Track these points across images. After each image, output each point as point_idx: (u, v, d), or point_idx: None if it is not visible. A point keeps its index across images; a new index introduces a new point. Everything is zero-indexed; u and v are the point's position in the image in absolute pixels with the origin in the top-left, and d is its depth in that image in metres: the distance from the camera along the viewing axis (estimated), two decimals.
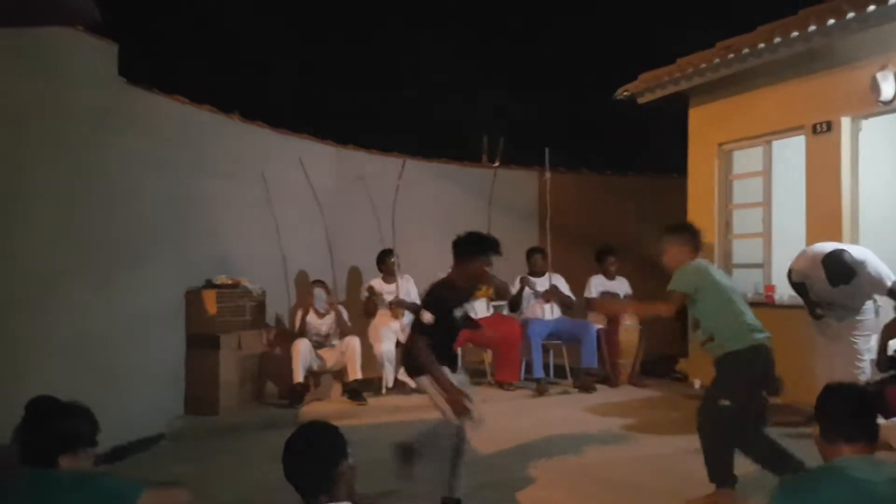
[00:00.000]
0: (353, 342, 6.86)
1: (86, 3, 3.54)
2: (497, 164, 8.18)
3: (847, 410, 2.27)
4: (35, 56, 4.78)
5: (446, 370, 4.08)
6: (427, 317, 3.99)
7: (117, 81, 5.55)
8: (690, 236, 4.27)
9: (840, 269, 5.26)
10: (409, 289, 7.63)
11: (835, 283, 5.31)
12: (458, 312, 4.19)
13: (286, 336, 7.05)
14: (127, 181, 5.59)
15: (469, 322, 4.68)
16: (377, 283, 7.61)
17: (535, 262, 7.95)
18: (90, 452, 2.54)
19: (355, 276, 8.31)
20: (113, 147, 5.46)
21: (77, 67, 5.17)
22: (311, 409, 6.50)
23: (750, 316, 4.09)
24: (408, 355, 4.30)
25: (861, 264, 5.31)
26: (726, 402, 3.93)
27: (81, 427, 2.52)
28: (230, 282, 6.46)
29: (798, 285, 5.74)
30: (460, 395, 4.01)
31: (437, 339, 4.04)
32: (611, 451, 5.29)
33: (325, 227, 7.84)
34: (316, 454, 2.19)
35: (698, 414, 4.09)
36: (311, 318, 6.97)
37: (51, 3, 3.49)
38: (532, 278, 7.87)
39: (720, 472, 3.99)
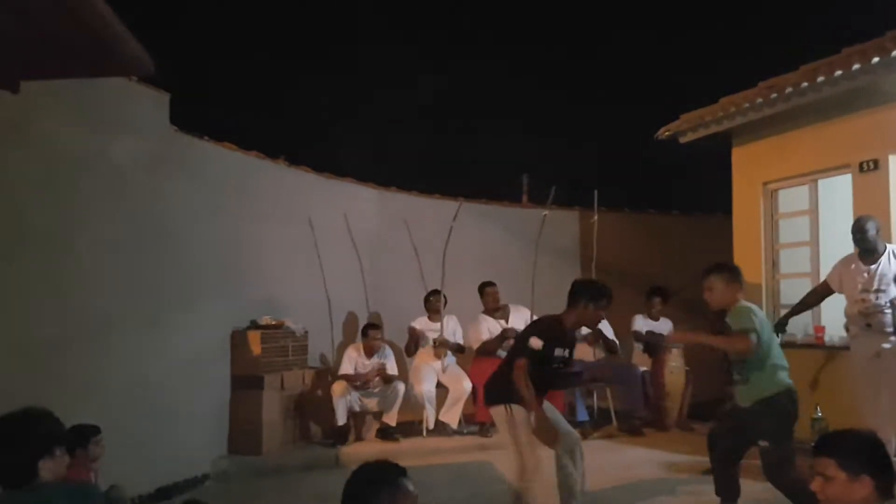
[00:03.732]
0: (399, 387, 6.90)
1: (140, 54, 3.69)
2: (546, 214, 8.18)
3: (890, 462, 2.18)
4: (91, 106, 5.00)
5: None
6: (536, 342, 4.12)
7: (169, 130, 5.75)
8: (736, 275, 4.34)
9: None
10: (455, 328, 7.66)
11: None
12: (558, 352, 4.25)
13: (327, 376, 7.10)
14: (179, 225, 5.75)
15: (567, 372, 4.64)
16: (422, 322, 7.64)
17: None
18: (64, 452, 2.55)
19: (398, 316, 8.35)
20: (165, 192, 5.64)
21: (131, 116, 5.38)
22: (353, 450, 6.50)
23: (782, 358, 4.19)
24: (492, 382, 4.41)
25: None
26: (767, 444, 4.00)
27: (49, 427, 2.54)
28: (274, 322, 6.55)
29: None
30: (548, 423, 4.07)
31: (532, 376, 4.09)
32: (659, 500, 5.17)
33: (371, 269, 7.94)
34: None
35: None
36: (356, 362, 7.00)
37: (107, 54, 3.65)
38: None
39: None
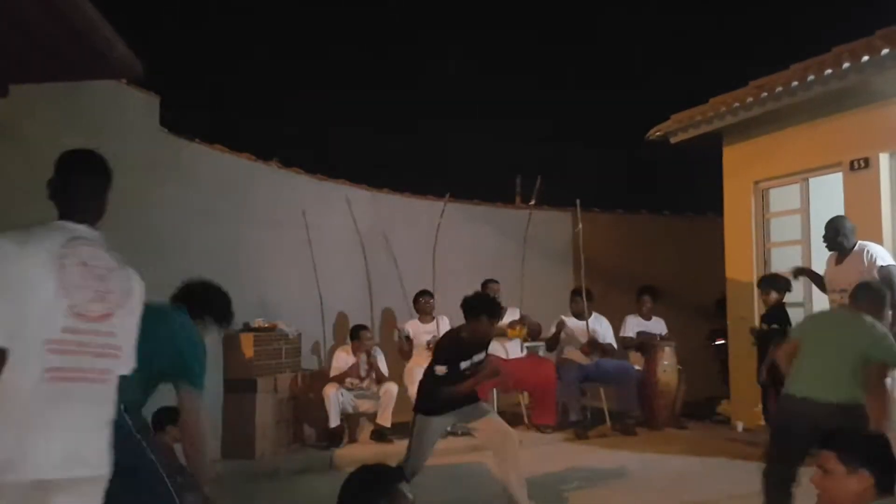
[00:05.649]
0: (392, 388, 6.87)
1: (129, 57, 3.68)
2: (533, 202, 8.18)
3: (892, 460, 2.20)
4: (81, 109, 4.97)
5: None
6: (440, 370, 4.59)
7: (160, 132, 5.73)
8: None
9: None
10: (446, 329, 7.63)
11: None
12: (464, 365, 4.64)
13: (319, 378, 7.07)
14: (170, 228, 5.72)
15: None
16: (413, 324, 7.62)
17: (576, 304, 7.84)
18: None
19: (391, 317, 8.34)
20: (156, 196, 5.61)
21: (121, 119, 5.36)
22: (347, 452, 6.48)
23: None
24: (421, 397, 4.88)
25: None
26: None
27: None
28: (266, 325, 6.52)
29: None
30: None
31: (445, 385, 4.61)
32: (651, 499, 5.18)
33: (363, 270, 7.92)
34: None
35: None
36: (347, 362, 6.98)
37: (96, 57, 3.63)
38: (573, 320, 7.77)
39: None
